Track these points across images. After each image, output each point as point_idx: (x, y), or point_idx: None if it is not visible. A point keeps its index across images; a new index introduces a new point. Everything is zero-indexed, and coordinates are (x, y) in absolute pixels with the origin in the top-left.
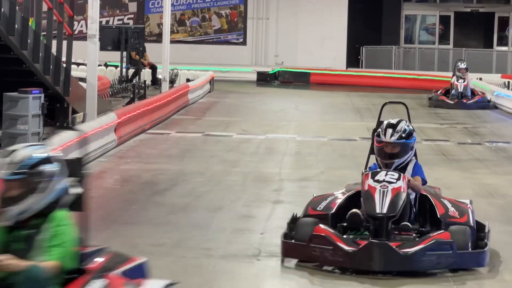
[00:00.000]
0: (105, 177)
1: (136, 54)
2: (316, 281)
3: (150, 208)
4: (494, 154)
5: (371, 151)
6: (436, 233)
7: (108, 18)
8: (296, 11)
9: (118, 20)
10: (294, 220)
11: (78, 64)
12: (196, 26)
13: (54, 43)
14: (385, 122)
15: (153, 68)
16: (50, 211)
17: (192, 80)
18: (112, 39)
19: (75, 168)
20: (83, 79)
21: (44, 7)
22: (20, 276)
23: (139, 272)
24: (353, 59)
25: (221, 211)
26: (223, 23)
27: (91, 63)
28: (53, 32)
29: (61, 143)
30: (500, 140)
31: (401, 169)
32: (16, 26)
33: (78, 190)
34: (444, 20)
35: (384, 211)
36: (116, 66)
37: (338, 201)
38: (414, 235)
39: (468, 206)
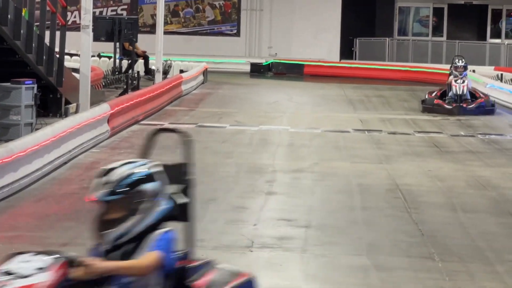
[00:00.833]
0: (98, 168)
1: (129, 45)
2: (310, 272)
3: None
4: (487, 146)
5: None
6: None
7: (101, 9)
8: (290, 2)
9: (112, 10)
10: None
11: (71, 55)
12: (189, 17)
13: (47, 33)
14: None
15: (146, 58)
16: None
17: (186, 71)
18: (105, 30)
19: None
20: (76, 70)
21: None
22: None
23: None
24: (346, 51)
25: (214, 202)
26: (217, 14)
27: (85, 54)
28: (47, 22)
29: (54, 133)
30: (493, 132)
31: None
32: (9, 16)
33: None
34: (437, 12)
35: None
36: (109, 57)
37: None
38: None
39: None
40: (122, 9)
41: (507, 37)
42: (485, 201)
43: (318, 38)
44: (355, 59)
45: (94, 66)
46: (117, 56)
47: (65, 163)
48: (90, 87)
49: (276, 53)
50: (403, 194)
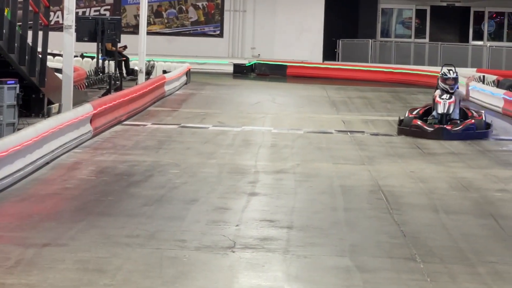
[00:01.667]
0: (80, 168)
1: (112, 45)
2: (292, 273)
3: (125, 199)
4: (469, 148)
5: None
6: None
7: (84, 9)
8: (273, 3)
9: (95, 11)
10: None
11: (54, 55)
12: (173, 18)
13: (30, 33)
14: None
15: (126, 59)
16: None
17: (169, 72)
18: (88, 30)
19: None
20: (59, 70)
21: None
22: None
23: None
24: (329, 52)
25: (197, 203)
26: (200, 15)
27: (67, 54)
28: (29, 22)
29: (36, 133)
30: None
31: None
32: None
33: None
34: (420, 14)
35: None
36: (92, 57)
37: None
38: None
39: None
40: (105, 10)
41: (489, 39)
42: (467, 203)
43: (301, 39)
44: (338, 60)
45: (77, 67)
46: (100, 56)
47: (48, 163)
48: (73, 87)
49: (259, 54)
50: (385, 195)
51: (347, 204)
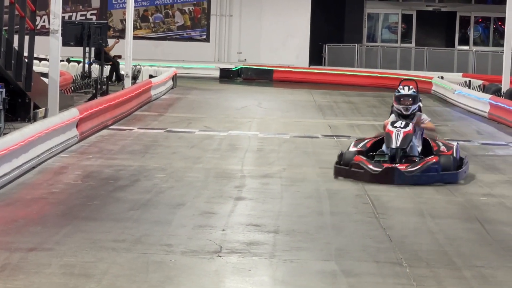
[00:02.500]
0: (66, 173)
1: (110, 49)
2: (279, 277)
3: (111, 203)
4: None
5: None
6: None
7: (70, 14)
8: (260, 8)
9: (81, 15)
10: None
11: (40, 59)
12: (159, 22)
13: (16, 38)
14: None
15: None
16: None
17: (155, 76)
18: (74, 34)
19: None
20: (45, 74)
21: (6, 1)
22: None
23: None
24: (316, 57)
25: (183, 207)
26: (186, 19)
27: (53, 59)
28: (15, 27)
29: (22, 138)
30: (461, 139)
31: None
32: None
33: None
34: (406, 18)
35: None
36: (78, 62)
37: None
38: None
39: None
40: (91, 14)
41: (475, 43)
42: (453, 207)
43: (287, 43)
44: (324, 65)
45: (63, 71)
46: (86, 61)
47: (34, 167)
48: (59, 91)
49: (245, 59)
50: (371, 200)
51: (333, 208)
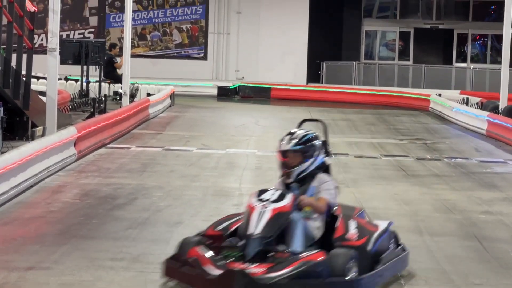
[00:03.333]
0: (64, 191)
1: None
2: None
3: (109, 222)
4: (453, 169)
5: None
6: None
7: (68, 32)
8: (257, 26)
9: (79, 34)
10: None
11: (38, 78)
12: (157, 41)
13: (14, 56)
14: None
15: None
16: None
17: (153, 95)
18: (72, 53)
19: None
20: (43, 93)
21: (4, 21)
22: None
23: None
24: (313, 75)
25: (181, 225)
26: (184, 37)
27: (51, 77)
28: (13, 45)
29: (20, 157)
30: (459, 156)
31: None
32: None
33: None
34: (404, 36)
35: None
36: (76, 80)
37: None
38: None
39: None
40: (89, 32)
41: (472, 61)
42: (451, 225)
43: (285, 61)
44: (322, 83)
45: (61, 89)
46: (84, 79)
47: (32, 186)
48: (57, 110)
49: (243, 77)
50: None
51: None
